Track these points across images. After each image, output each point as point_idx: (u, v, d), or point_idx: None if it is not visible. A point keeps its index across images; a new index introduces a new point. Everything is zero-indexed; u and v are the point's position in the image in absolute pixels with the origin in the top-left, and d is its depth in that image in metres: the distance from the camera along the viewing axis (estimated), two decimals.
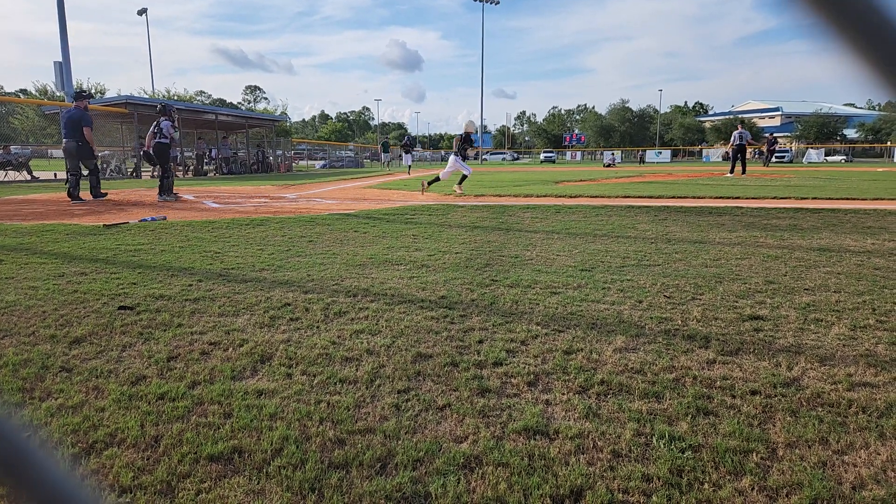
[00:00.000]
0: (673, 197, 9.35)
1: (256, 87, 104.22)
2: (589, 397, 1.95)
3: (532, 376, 2.12)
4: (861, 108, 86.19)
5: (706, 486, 1.44)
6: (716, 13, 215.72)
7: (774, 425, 1.74)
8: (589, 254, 4.52)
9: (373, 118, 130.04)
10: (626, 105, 79.07)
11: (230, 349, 2.41)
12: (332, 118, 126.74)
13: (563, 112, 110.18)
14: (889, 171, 20.19)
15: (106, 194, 9.98)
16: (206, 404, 1.90)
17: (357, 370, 2.19)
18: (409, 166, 26.52)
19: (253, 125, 28.84)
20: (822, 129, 65.19)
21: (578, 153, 72.05)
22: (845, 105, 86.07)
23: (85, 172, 9.77)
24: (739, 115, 75.55)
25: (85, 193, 9.75)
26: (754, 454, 1.58)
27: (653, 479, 1.47)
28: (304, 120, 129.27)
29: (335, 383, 2.07)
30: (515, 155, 79.45)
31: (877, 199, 8.55)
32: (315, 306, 3.05)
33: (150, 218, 6.85)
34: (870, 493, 1.40)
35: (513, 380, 2.10)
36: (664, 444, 1.63)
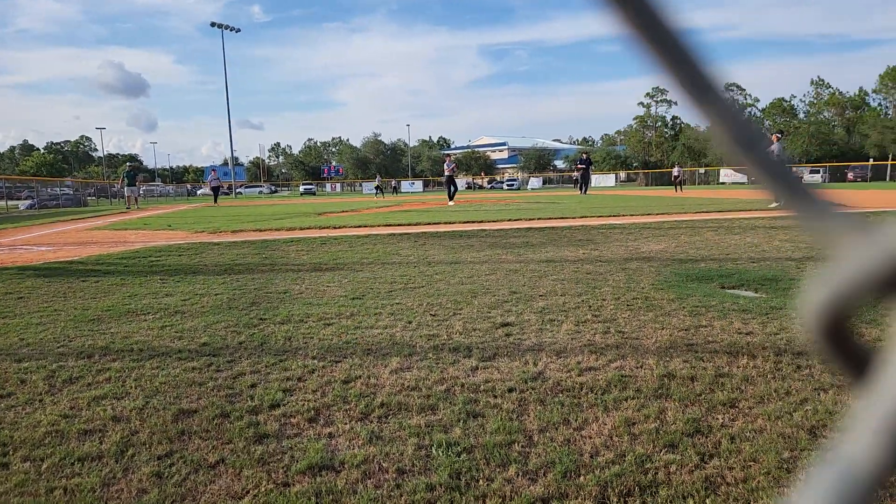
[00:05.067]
0: (429, 223, 10.12)
1: None
2: (371, 422, 1.98)
3: (312, 412, 2.06)
4: (565, 143, 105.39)
5: (481, 482, 1.58)
6: (449, 57, 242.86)
7: (529, 416, 2.00)
8: (358, 282, 4.60)
9: (96, 149, 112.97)
10: (379, 138, 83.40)
11: None
12: (39, 149, 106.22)
13: (319, 144, 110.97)
14: (594, 194, 25.10)
15: None
16: None
17: (101, 443, 1.85)
18: (137, 198, 23.49)
19: None
20: (539, 161, 77.90)
21: (338, 184, 73.25)
22: (554, 140, 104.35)
23: None
24: (476, 149, 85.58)
25: None
26: (516, 444, 1.78)
27: (435, 487, 1.55)
28: None
29: (73, 463, 1.71)
30: (273, 188, 77.13)
31: (583, 217, 10.54)
32: (34, 376, 2.49)
33: None
34: (603, 458, 1.69)
35: (292, 419, 2.01)
36: (442, 452, 1.73)
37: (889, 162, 49.88)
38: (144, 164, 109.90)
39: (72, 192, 37.19)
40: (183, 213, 18.14)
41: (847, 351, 0.20)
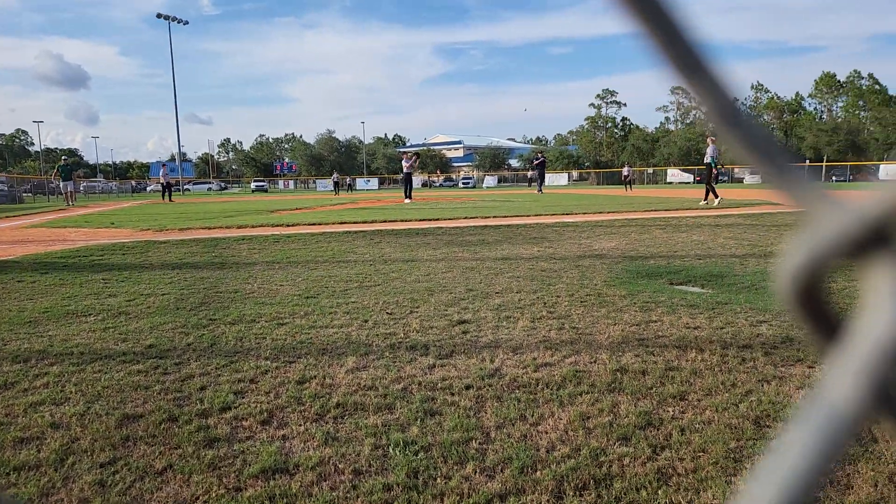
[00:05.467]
0: (384, 221, 10.05)
1: None
2: (326, 423, 1.94)
3: (265, 414, 2.01)
4: (520, 142, 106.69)
5: (439, 480, 1.57)
6: (404, 55, 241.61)
7: (486, 412, 2.01)
8: (312, 281, 4.52)
9: (32, 143, 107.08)
10: (333, 135, 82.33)
11: None
12: None
13: (271, 140, 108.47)
14: (548, 192, 25.51)
15: None
16: None
17: (39, 451, 1.75)
18: (74, 194, 22.17)
19: None
20: (494, 160, 78.60)
21: (291, 182, 71.87)
22: (508, 139, 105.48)
23: None
24: (431, 147, 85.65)
25: None
26: (474, 441, 1.79)
27: (393, 487, 1.54)
28: None
29: (8, 473, 1.61)
30: (223, 185, 75.03)
31: (538, 215, 10.70)
32: None
33: None
34: (559, 452, 1.72)
35: (244, 422, 1.95)
36: (400, 451, 1.72)
37: (824, 164, 52.74)
38: (85, 159, 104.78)
39: (6, 189, 34.87)
40: (127, 210, 17.41)
41: (819, 314, 0.21)
